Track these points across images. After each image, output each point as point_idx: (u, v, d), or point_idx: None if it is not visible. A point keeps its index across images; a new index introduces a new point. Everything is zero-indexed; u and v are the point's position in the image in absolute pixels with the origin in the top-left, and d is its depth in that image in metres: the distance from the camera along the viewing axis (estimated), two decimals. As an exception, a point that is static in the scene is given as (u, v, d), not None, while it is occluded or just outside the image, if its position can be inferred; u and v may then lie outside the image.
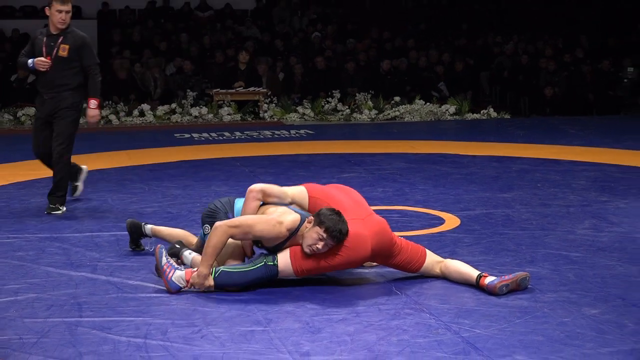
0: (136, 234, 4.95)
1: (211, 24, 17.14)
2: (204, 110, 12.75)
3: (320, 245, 4.10)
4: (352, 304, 4.00)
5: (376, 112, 13.10)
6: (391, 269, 4.48)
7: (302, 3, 18.43)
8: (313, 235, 4.11)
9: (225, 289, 4.17)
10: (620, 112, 14.48)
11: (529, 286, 4.21)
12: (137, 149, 9.67)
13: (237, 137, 10.79)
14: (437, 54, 15.63)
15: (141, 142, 10.33)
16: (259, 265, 4.19)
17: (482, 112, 13.35)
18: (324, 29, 16.99)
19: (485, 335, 3.56)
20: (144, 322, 3.73)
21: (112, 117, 12.55)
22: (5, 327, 3.67)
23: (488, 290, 4.13)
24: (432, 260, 4.41)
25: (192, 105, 12.85)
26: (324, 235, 4.08)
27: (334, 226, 4.07)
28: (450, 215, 5.97)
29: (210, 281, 4.16)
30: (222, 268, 4.21)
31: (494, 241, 5.21)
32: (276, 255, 4.21)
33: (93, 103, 6.22)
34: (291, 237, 4.21)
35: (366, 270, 4.59)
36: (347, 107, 13.23)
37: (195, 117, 12.70)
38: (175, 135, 11.13)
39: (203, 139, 10.74)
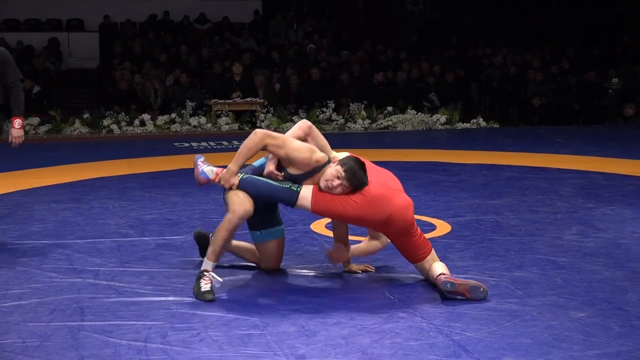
0: (203, 245, 4.83)
1: (210, 36, 17.27)
2: (203, 120, 12.83)
3: (335, 182, 4.23)
4: (346, 308, 4.05)
5: (369, 121, 13.20)
6: (383, 273, 4.55)
7: (297, 16, 18.56)
8: (332, 172, 4.25)
9: (243, 193, 4.31)
10: (606, 121, 14.60)
11: (518, 290, 4.27)
12: (137, 157, 9.73)
13: (235, 146, 10.83)
14: (428, 66, 15.77)
15: (142, 150, 10.39)
16: (284, 186, 4.32)
17: (472, 121, 13.44)
18: (319, 41, 17.12)
19: (475, 338, 3.61)
20: (144, 326, 3.78)
21: (114, 126, 12.64)
22: (9, 330, 3.71)
23: (437, 284, 4.23)
24: (431, 259, 4.41)
25: (191, 115, 12.95)
26: (342, 174, 4.22)
27: (352, 169, 4.23)
28: (441, 221, 6.03)
29: (236, 180, 4.33)
30: (250, 175, 4.35)
31: (484, 247, 5.27)
32: (301, 185, 4.31)
33: (18, 123, 5.69)
34: (315, 173, 4.32)
35: (360, 275, 4.66)
36: (341, 116, 13.32)
37: (195, 126, 12.78)
38: (175, 144, 11.19)
39: (202, 147, 10.80)
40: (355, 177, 4.25)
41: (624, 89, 15.02)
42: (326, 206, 4.27)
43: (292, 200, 4.31)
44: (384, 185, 4.36)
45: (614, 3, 20.44)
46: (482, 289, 4.17)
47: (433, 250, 4.45)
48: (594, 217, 6.15)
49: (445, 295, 4.19)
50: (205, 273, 4.27)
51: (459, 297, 4.16)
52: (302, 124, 4.59)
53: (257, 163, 4.63)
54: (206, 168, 4.42)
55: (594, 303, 4.11)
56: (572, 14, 20.10)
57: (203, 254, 4.76)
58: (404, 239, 4.36)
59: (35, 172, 8.62)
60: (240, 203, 4.32)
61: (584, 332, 3.69)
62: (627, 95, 14.70)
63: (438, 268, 4.35)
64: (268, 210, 4.60)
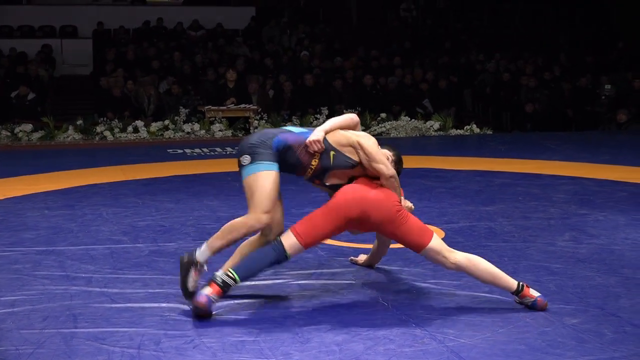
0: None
1: (203, 43, 17.30)
2: (196, 126, 12.85)
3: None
4: (340, 315, 4.06)
5: (363, 128, 13.20)
6: (378, 279, 4.57)
7: (291, 23, 18.61)
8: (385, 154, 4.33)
9: None
10: (598, 127, 14.66)
11: (512, 296, 4.25)
12: (131, 164, 9.73)
13: (228, 153, 10.86)
14: (421, 72, 15.82)
15: (135, 157, 10.39)
16: (265, 254, 4.11)
17: (465, 128, 13.47)
18: (312, 48, 17.16)
19: (469, 344, 3.63)
20: (137, 333, 3.78)
21: (107, 133, 12.65)
22: (2, 338, 3.71)
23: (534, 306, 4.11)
24: (441, 247, 4.21)
25: (184, 122, 12.95)
26: (392, 157, 4.39)
27: (399, 155, 4.45)
28: (435, 227, 6.01)
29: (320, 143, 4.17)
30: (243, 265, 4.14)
31: (477, 253, 5.12)
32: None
33: None
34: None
35: (353, 282, 4.66)
36: (334, 123, 13.32)
37: (188, 133, 12.79)
38: (168, 150, 11.20)
39: (195, 154, 10.81)
40: (401, 161, 4.41)
41: (617, 95, 15.08)
42: (312, 234, 4.12)
43: (281, 254, 4.08)
44: (352, 187, 4.23)
45: (608, 10, 20.54)
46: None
47: (436, 236, 4.26)
48: (587, 223, 6.17)
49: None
50: (199, 265, 4.13)
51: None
52: (354, 117, 4.40)
53: (297, 130, 4.28)
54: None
55: (587, 309, 4.12)
56: (565, 21, 20.19)
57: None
58: (394, 229, 4.19)
59: (28, 178, 8.61)
60: (268, 210, 4.10)
61: (577, 338, 3.70)
62: (619, 102, 14.76)
63: (502, 274, 4.21)
64: None
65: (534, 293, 4.14)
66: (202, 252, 4.19)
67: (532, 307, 4.11)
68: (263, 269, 4.12)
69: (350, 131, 4.32)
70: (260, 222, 4.11)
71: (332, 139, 4.23)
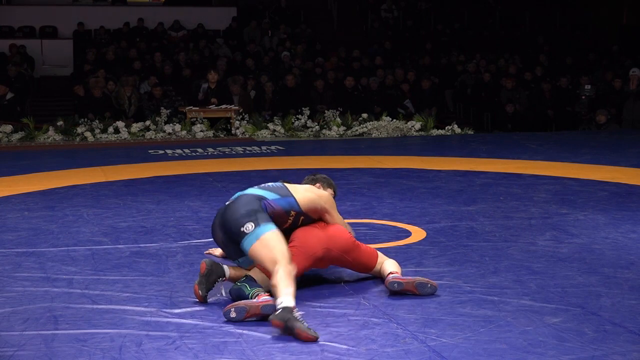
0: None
1: (184, 43, 17.25)
2: (178, 127, 12.79)
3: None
4: (321, 315, 4.07)
5: (344, 128, 13.23)
6: (358, 280, 4.58)
7: (272, 24, 18.60)
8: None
9: None
10: (579, 127, 14.76)
11: (495, 298, 4.29)
12: (112, 165, 9.66)
13: (209, 153, 10.83)
14: (402, 73, 15.86)
15: (116, 158, 10.32)
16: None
17: (446, 128, 13.51)
18: (294, 49, 17.16)
19: (450, 344, 3.64)
20: (119, 334, 3.77)
21: (88, 134, 12.57)
22: (-18, 340, 3.68)
23: (385, 285, 4.41)
24: (381, 260, 4.65)
25: (165, 123, 12.90)
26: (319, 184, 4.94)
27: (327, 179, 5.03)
28: (417, 227, 6.05)
29: None
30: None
31: (459, 253, 5.30)
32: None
33: None
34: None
35: (335, 282, 4.67)
36: (316, 123, 13.33)
37: (169, 133, 12.74)
38: (150, 151, 11.14)
39: (177, 155, 10.77)
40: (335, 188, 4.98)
41: (597, 95, 15.18)
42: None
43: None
44: (309, 231, 4.54)
45: (585, 13, 20.73)
46: (429, 285, 4.37)
47: (381, 254, 4.70)
48: (568, 223, 6.21)
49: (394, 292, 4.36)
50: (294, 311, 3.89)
51: (409, 294, 4.33)
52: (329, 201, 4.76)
53: (270, 196, 4.48)
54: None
55: (568, 308, 4.15)
56: (545, 22, 20.34)
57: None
58: (351, 255, 4.55)
59: (8, 180, 8.55)
60: (282, 252, 4.17)
61: (558, 337, 3.73)
62: (599, 102, 14.86)
63: (388, 266, 4.57)
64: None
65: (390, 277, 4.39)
66: (289, 300, 3.93)
67: None
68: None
69: (315, 197, 4.64)
70: (282, 262, 4.10)
71: (304, 207, 4.56)
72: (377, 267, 4.63)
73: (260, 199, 4.42)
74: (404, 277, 4.40)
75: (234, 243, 4.34)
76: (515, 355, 3.52)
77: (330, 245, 4.50)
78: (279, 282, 3.97)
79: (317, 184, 4.91)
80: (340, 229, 4.62)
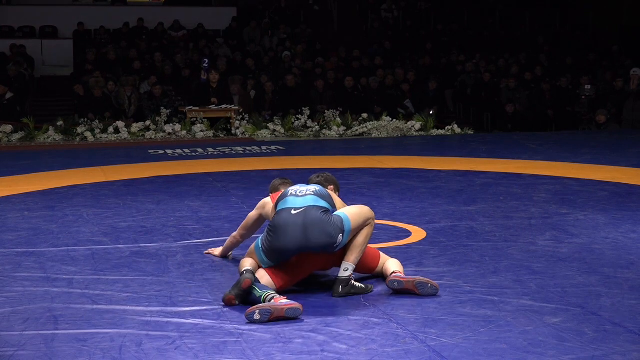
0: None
1: (184, 43, 17.25)
2: (178, 127, 12.80)
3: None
4: (322, 315, 4.06)
5: (344, 128, 13.23)
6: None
7: (272, 24, 18.60)
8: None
9: None
10: (578, 127, 14.75)
11: (495, 298, 4.28)
12: (112, 165, 9.67)
13: (209, 153, 10.83)
14: (402, 73, 15.86)
15: (116, 158, 10.33)
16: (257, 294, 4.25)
17: (446, 128, 13.51)
18: (294, 48, 17.16)
19: (450, 344, 3.64)
20: (119, 334, 3.77)
21: (88, 134, 12.58)
22: (-18, 340, 3.68)
23: (387, 284, 4.43)
24: (384, 260, 4.68)
25: (165, 123, 12.91)
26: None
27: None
28: (417, 227, 6.05)
29: None
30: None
31: (459, 253, 5.30)
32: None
33: None
34: None
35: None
36: (316, 123, 13.34)
37: (169, 133, 12.75)
38: (150, 151, 11.14)
39: (177, 155, 10.77)
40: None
41: (597, 95, 15.18)
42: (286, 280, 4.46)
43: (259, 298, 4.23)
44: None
45: (585, 13, 20.73)
46: (430, 285, 4.36)
47: (383, 254, 4.73)
48: (568, 223, 6.20)
49: (395, 291, 4.38)
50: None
51: (410, 292, 4.34)
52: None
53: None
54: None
55: (568, 308, 4.15)
56: (545, 21, 20.34)
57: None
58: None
59: (8, 180, 8.55)
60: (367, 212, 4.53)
61: (558, 337, 3.72)
62: (599, 102, 14.86)
63: (391, 266, 4.58)
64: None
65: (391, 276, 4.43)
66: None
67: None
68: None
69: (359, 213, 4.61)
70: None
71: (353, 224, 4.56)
72: (380, 267, 4.64)
73: (326, 211, 4.45)
74: (405, 277, 4.40)
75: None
76: (516, 355, 3.52)
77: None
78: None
79: (330, 186, 4.89)
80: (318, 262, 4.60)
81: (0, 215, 6.65)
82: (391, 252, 5.05)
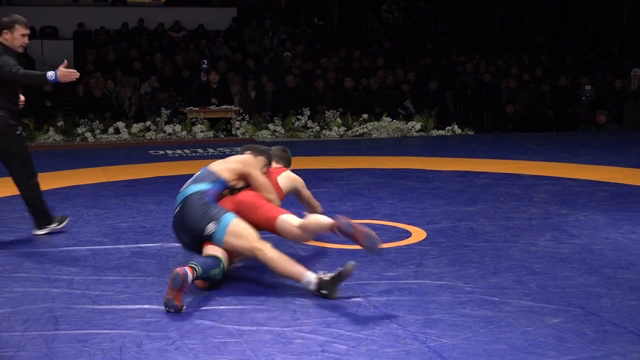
0: None
1: (185, 44, 17.24)
2: (178, 127, 12.81)
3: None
4: (322, 315, 4.07)
5: (345, 129, 13.24)
6: (360, 280, 4.58)
7: (272, 24, 18.60)
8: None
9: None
10: (579, 128, 14.76)
11: (495, 299, 4.28)
12: (112, 165, 9.67)
13: (210, 154, 10.83)
14: (403, 73, 15.86)
15: (116, 158, 10.34)
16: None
17: (446, 128, 13.52)
18: (294, 49, 17.16)
19: (451, 345, 3.64)
20: (119, 335, 3.78)
21: (88, 134, 12.59)
22: (-18, 340, 3.69)
23: (337, 226, 4.49)
24: (288, 222, 4.74)
25: (166, 123, 12.91)
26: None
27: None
28: (417, 228, 6.06)
29: None
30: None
31: (459, 253, 5.31)
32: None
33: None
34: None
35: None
36: (316, 124, 13.35)
37: (169, 134, 12.75)
38: (150, 152, 11.15)
39: (177, 155, 10.78)
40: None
41: (597, 96, 15.18)
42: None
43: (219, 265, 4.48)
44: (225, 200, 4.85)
45: (585, 13, 20.73)
46: (375, 239, 4.40)
47: (285, 215, 4.80)
48: (568, 223, 6.21)
49: (339, 235, 4.53)
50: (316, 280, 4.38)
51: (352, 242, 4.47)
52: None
53: (204, 187, 4.77)
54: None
55: (568, 309, 4.15)
56: (545, 21, 20.34)
57: None
58: (255, 214, 4.80)
59: (8, 180, 8.50)
60: (254, 238, 4.54)
61: (558, 338, 3.73)
62: (599, 103, 14.86)
63: (320, 217, 4.71)
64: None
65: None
66: (310, 279, 4.44)
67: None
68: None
69: (236, 165, 4.95)
70: (263, 249, 4.49)
71: (231, 178, 4.88)
72: (289, 223, 4.70)
73: (202, 193, 4.65)
74: (355, 225, 4.44)
75: (203, 242, 4.61)
76: (516, 355, 3.52)
77: (239, 208, 4.76)
78: (287, 267, 4.38)
79: (247, 152, 5.13)
80: (247, 193, 4.86)
81: (0, 216, 6.66)
82: (391, 253, 5.08)
